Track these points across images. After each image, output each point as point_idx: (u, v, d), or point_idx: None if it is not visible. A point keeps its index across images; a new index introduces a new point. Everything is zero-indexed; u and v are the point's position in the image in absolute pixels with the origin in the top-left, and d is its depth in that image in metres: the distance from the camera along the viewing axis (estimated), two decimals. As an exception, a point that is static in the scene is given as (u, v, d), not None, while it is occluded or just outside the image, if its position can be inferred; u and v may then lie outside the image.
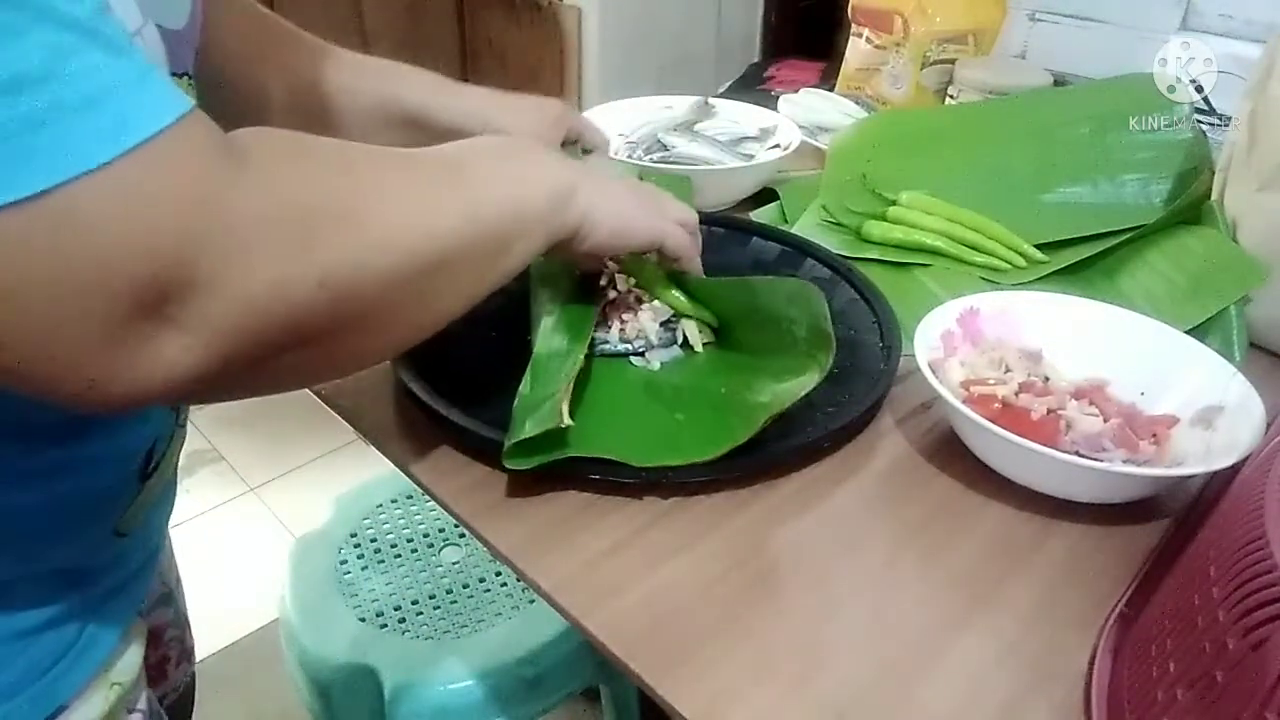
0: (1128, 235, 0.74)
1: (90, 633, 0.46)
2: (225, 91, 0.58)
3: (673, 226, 0.57)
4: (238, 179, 0.33)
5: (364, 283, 0.37)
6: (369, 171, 0.40)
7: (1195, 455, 0.52)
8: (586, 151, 0.74)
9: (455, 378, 0.56)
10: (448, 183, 0.44)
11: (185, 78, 0.45)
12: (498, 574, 1.03)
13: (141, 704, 0.50)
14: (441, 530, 1.08)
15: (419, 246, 0.40)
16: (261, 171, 0.34)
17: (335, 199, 0.37)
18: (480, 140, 0.52)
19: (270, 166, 0.35)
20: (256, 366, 0.36)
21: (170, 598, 0.67)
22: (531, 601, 0.99)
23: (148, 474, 0.48)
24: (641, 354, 0.61)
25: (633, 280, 0.62)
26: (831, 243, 0.76)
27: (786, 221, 0.81)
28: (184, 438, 0.54)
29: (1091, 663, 0.43)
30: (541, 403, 0.51)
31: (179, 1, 0.43)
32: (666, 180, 0.67)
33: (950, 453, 0.55)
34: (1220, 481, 0.51)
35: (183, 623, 0.69)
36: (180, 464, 0.55)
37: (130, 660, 0.49)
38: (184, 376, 0.33)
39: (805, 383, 0.53)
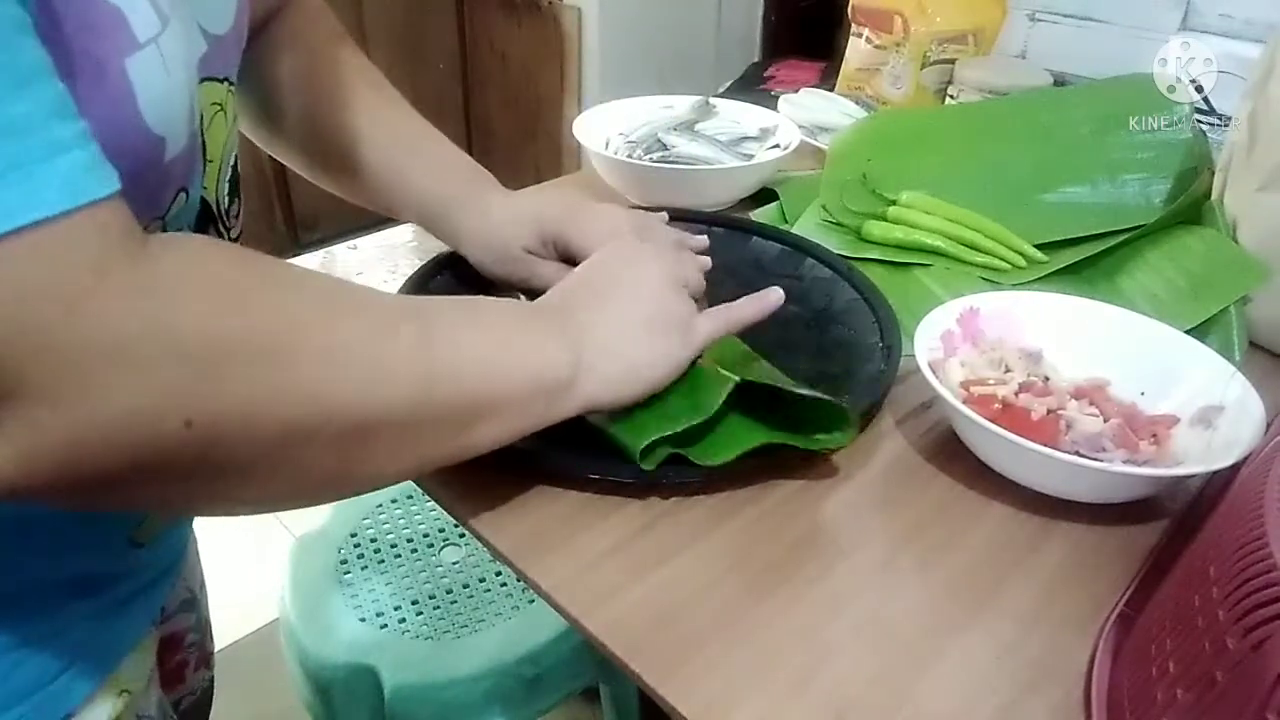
0: (1128, 235, 0.74)
1: (102, 641, 0.46)
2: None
3: (694, 351, 0.52)
4: (118, 282, 0.29)
5: (254, 434, 0.33)
6: (307, 314, 0.35)
7: (1195, 455, 0.52)
8: None
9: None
10: (407, 343, 0.39)
11: (226, 83, 0.45)
12: (498, 574, 1.03)
13: (151, 710, 0.50)
14: (441, 530, 1.08)
15: (342, 409, 0.35)
16: (159, 286, 0.30)
17: (244, 338, 0.32)
18: (470, 300, 0.46)
19: (174, 285, 0.31)
20: (97, 491, 0.32)
21: (194, 603, 0.67)
22: (531, 601, 0.99)
23: None
24: None
25: None
26: (831, 243, 0.76)
27: (786, 221, 0.81)
28: None
29: (1091, 663, 0.43)
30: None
31: (222, 7, 0.43)
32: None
33: (950, 453, 0.55)
34: (1220, 481, 0.51)
35: (203, 627, 0.69)
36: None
37: (141, 667, 0.49)
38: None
39: (826, 441, 0.51)
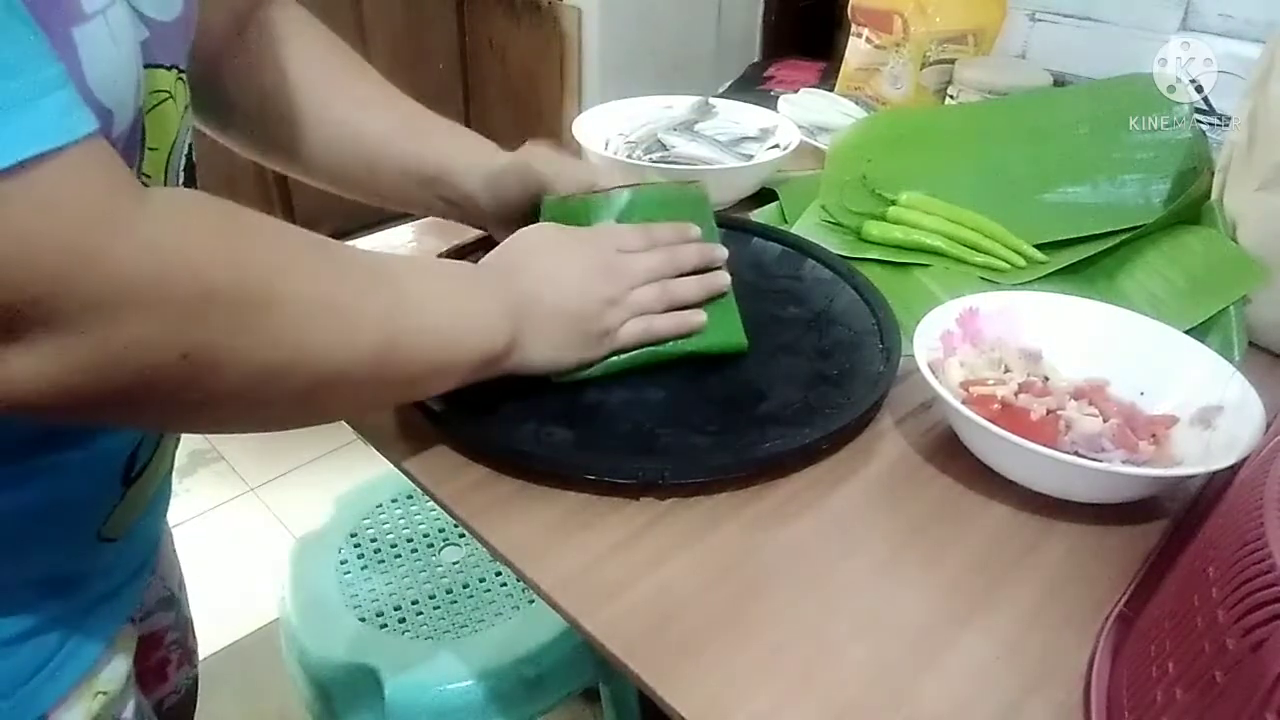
0: (1128, 235, 0.74)
1: (75, 641, 0.45)
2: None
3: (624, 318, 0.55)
4: (128, 227, 0.32)
5: (240, 372, 0.37)
6: (293, 265, 0.39)
7: (1195, 455, 0.52)
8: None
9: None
10: (378, 307, 0.43)
11: (174, 70, 0.44)
12: (498, 574, 1.03)
13: (128, 712, 0.50)
14: (441, 530, 1.08)
15: (312, 359, 0.40)
16: (161, 227, 0.33)
17: (238, 284, 0.36)
18: (430, 266, 0.52)
19: (175, 226, 0.34)
20: (107, 406, 0.36)
21: (172, 601, 0.66)
22: (531, 601, 0.99)
23: (131, 480, 0.47)
24: None
25: None
26: (831, 243, 0.76)
27: (786, 221, 0.81)
28: (175, 444, 0.53)
29: (1091, 663, 0.43)
30: None
31: None
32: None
33: (950, 453, 0.55)
34: (1220, 481, 0.51)
35: (185, 625, 0.69)
36: (180, 464, 0.55)
37: (117, 668, 0.49)
38: (23, 396, 0.32)
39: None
